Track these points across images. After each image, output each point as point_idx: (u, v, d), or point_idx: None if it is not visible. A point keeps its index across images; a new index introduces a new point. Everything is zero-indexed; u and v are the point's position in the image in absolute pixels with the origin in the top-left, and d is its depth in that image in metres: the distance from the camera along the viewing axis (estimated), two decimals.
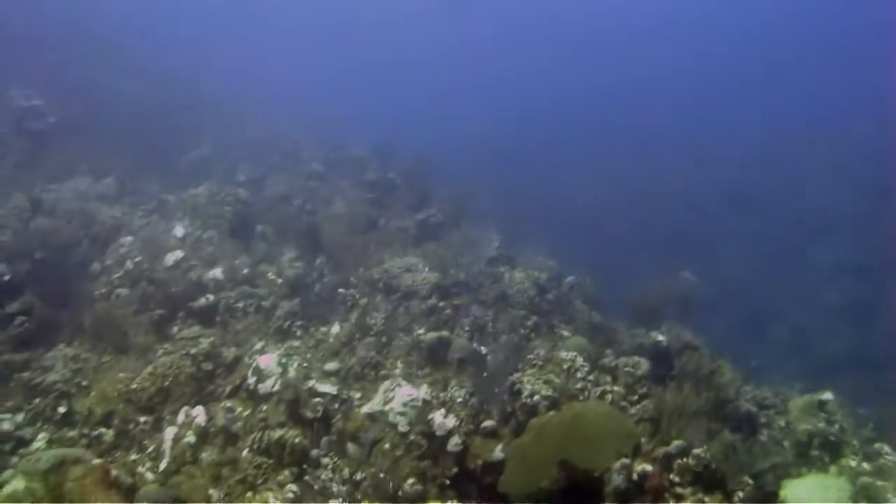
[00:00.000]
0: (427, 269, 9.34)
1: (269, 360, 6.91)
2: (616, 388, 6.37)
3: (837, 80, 37.00)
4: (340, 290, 8.82)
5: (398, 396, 6.65)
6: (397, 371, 7.32)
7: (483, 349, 7.75)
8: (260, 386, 6.72)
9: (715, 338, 9.19)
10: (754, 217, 21.65)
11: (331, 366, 7.42)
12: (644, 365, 6.71)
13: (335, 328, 8.17)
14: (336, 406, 6.66)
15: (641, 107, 37.60)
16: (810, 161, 25.35)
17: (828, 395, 6.56)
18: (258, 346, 7.67)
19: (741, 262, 19.41)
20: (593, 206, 23.43)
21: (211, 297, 8.21)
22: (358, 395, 6.95)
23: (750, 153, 27.20)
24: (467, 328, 8.26)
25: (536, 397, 5.97)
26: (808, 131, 28.83)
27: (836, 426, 6.24)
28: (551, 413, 5.78)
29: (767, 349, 15.69)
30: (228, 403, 6.64)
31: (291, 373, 6.95)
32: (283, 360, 7.03)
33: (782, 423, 6.41)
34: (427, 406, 6.55)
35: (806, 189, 22.99)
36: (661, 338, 7.23)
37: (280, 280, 8.84)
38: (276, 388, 6.64)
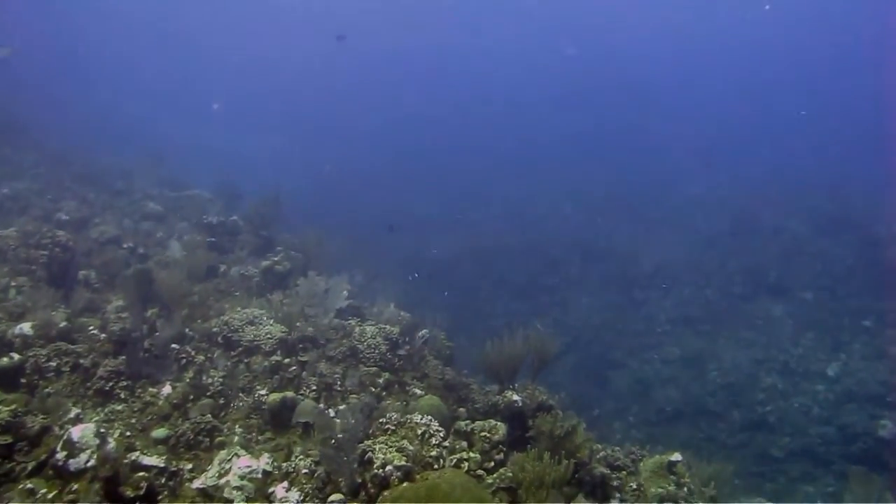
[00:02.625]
0: (271, 322, 8.75)
1: (84, 430, 6.02)
2: (472, 454, 6.12)
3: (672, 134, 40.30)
4: (174, 345, 8.01)
5: (235, 468, 6.02)
6: (235, 438, 6.67)
7: (331, 411, 7.27)
8: (71, 461, 5.81)
9: (564, 389, 9.31)
10: (598, 267, 22.75)
11: (159, 433, 6.64)
12: (501, 429, 6.54)
13: (166, 389, 7.37)
14: (163, 481, 5.90)
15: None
16: (649, 211, 27.23)
17: (676, 457, 6.71)
18: (72, 413, 6.72)
19: (590, 310, 20.22)
20: (444, 252, 23.66)
21: (15, 357, 7.12)
22: (189, 466, 6.22)
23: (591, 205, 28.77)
24: (314, 387, 7.75)
25: (389, 467, 5.58)
26: (641, 188, 31.08)
27: (685, 489, 6.36)
28: (405, 485, 5.42)
29: (610, 398, 16.34)
30: (30, 484, 5.69)
31: (111, 443, 6.10)
32: (102, 429, 6.16)
33: (634, 486, 6.43)
34: (267, 478, 5.97)
35: (646, 237, 24.52)
36: (515, 397, 7.11)
37: (103, 335, 7.89)
38: (92, 462, 5.77)
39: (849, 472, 10.76)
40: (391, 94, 60.47)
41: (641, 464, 6.93)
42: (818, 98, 53.52)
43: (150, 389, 7.34)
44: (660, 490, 6.35)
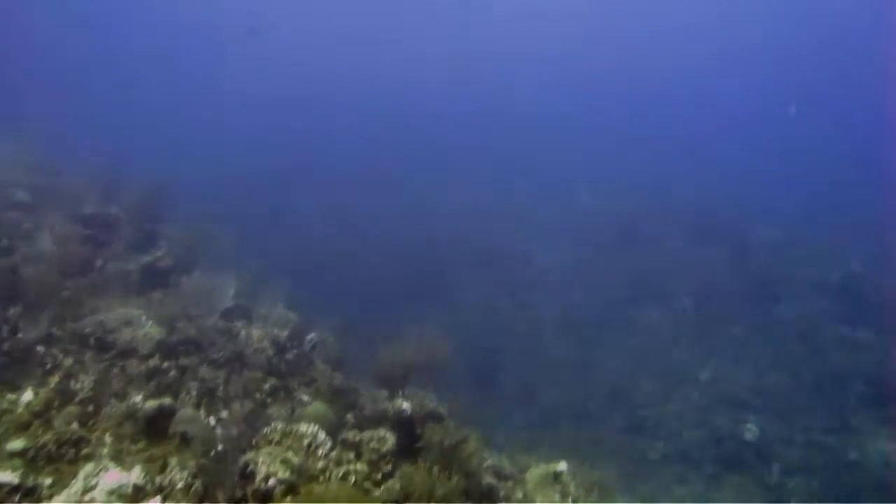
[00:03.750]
0: (150, 323, 8.26)
1: None
2: (360, 466, 5.99)
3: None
4: (39, 347, 7.40)
5: (103, 483, 5.60)
6: (104, 450, 6.22)
7: (212, 419, 6.93)
8: None
9: (452, 391, 9.32)
10: (493, 269, 23.07)
11: (16, 444, 6.09)
12: (390, 439, 6.43)
13: (27, 395, 6.78)
14: (17, 499, 5.41)
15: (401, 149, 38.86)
16: (539, 217, 27.89)
17: (562, 466, 6.84)
18: None
19: (478, 312, 20.44)
20: (337, 250, 23.29)
21: None
22: (49, 481, 5.74)
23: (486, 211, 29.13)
24: (195, 393, 7.37)
25: (272, 480, 5.36)
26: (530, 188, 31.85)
27: (570, 498, 6.49)
28: (288, 499, 5.21)
29: (496, 400, 16.55)
30: None
31: None
32: None
33: (520, 495, 6.50)
34: (139, 493, 5.60)
35: (535, 242, 25.10)
36: (405, 405, 7.04)
37: None
38: None
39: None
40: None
41: (528, 473, 7.03)
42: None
43: (9, 396, 6.73)
44: (545, 501, 6.46)
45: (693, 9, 64.69)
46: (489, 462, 7.23)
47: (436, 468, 5.56)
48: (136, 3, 60.38)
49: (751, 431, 13.99)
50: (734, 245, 22.91)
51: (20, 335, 7.33)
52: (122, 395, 7.14)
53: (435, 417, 7.25)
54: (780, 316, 18.62)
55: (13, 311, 7.72)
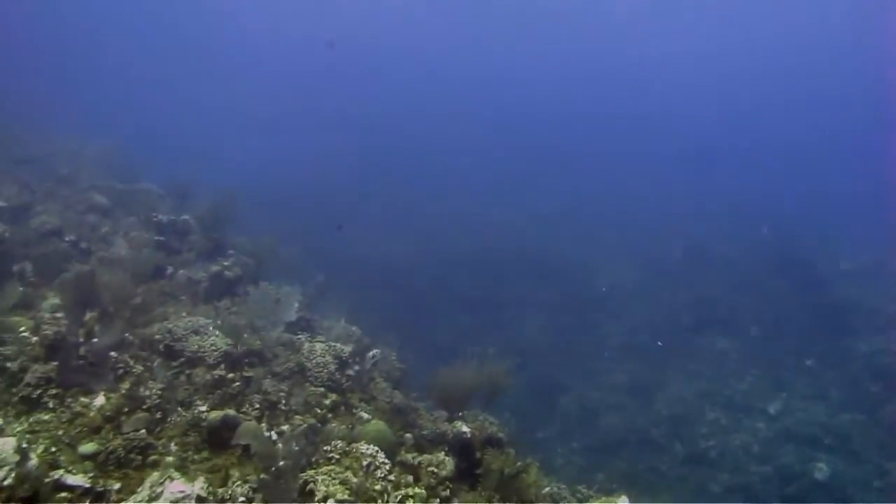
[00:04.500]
0: (217, 333, 8.40)
1: (2, 445, 5.62)
2: (418, 490, 5.92)
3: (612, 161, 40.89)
4: (113, 353, 7.61)
5: (167, 492, 5.69)
6: (170, 458, 6.33)
7: (274, 433, 6.98)
8: None
9: (511, 410, 9.14)
10: (555, 286, 22.80)
11: (87, 447, 6.25)
12: (449, 464, 6.35)
13: (99, 399, 6.97)
14: (87, 503, 5.54)
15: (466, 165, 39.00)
16: (604, 237, 27.49)
17: (623, 500, 6.63)
18: None
19: (538, 332, 20.20)
20: (398, 262, 23.42)
21: None
22: (117, 486, 5.86)
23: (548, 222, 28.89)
24: (257, 405, 7.44)
25: (331, 501, 5.34)
26: (599, 209, 31.43)
27: None
28: None
29: (556, 421, 16.30)
30: None
31: (33, 460, 5.71)
32: (24, 444, 5.76)
33: None
34: None
35: (600, 264, 24.71)
36: (465, 428, 6.95)
37: (35, 337, 7.44)
38: (9, 481, 5.38)
39: None
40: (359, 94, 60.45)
41: None
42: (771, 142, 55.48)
43: (82, 399, 6.93)
44: None
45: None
46: (547, 489, 7.06)
47: (495, 497, 5.46)
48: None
49: (821, 471, 13.34)
50: (808, 272, 22.06)
51: (95, 340, 7.55)
52: (187, 404, 7.27)
53: (495, 442, 7.14)
54: (855, 350, 17.74)
55: (90, 316, 7.96)
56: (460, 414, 8.04)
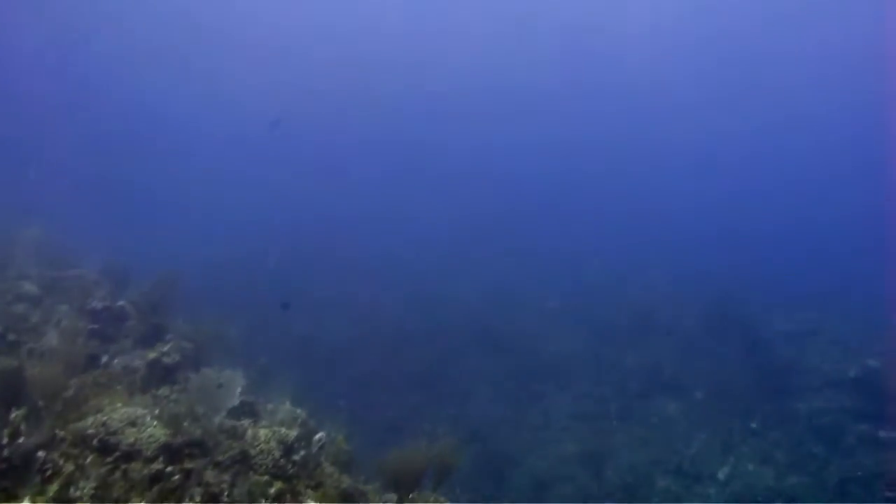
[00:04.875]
0: (156, 423, 8.05)
1: None
2: None
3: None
4: (40, 452, 7.19)
5: None
6: None
7: None
8: None
9: (462, 486, 8.97)
10: (503, 358, 22.74)
11: None
12: None
13: None
14: None
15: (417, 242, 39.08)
16: (549, 306, 27.74)
17: None
18: None
19: (487, 405, 20.00)
20: (344, 339, 23.11)
21: None
22: None
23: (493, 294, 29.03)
24: (199, 499, 7.10)
25: None
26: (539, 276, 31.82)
27: None
28: None
29: (507, 496, 16.00)
30: None
31: None
32: None
33: None
34: None
35: (548, 333, 24.83)
36: None
37: None
38: None
39: None
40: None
41: None
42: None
43: None
44: None
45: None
46: None
47: None
48: None
49: None
50: (749, 335, 22.66)
51: (21, 440, 7.14)
52: (123, 502, 6.89)
53: None
54: (798, 411, 18.15)
55: (16, 414, 7.55)
56: (411, 496, 7.83)
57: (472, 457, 16.94)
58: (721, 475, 15.61)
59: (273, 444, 8.26)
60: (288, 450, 8.37)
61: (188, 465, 7.58)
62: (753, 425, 17.61)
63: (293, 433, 8.71)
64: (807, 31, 56.61)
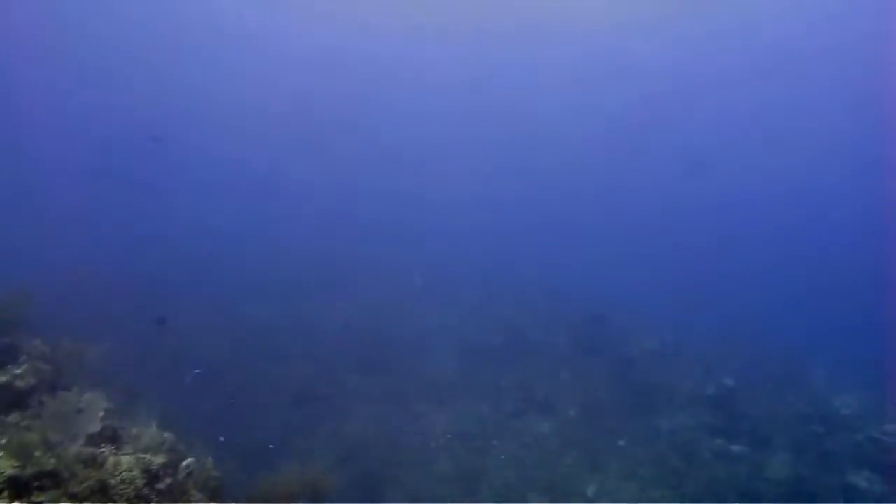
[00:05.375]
0: (2, 455, 7.48)
1: None
2: None
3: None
4: None
5: None
6: None
7: None
8: None
9: None
10: (379, 377, 22.65)
11: None
12: None
13: None
14: None
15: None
16: (426, 325, 27.96)
17: None
18: None
19: (363, 425, 19.83)
20: (217, 358, 22.26)
21: None
22: None
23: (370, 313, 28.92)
24: None
25: None
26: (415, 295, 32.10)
27: None
28: None
29: None
30: None
31: None
32: None
33: None
34: None
35: (424, 353, 25.03)
36: None
37: None
38: None
39: None
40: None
41: None
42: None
43: None
44: None
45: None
46: None
47: None
48: None
49: None
50: (618, 353, 23.83)
51: None
52: None
53: None
54: (660, 428, 19.26)
55: None
56: None
57: (347, 477, 16.79)
58: (590, 492, 16.26)
59: (136, 472, 7.87)
60: (153, 478, 8.00)
61: (38, 499, 7.09)
62: (621, 443, 18.50)
63: (159, 459, 8.34)
64: None
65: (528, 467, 17.50)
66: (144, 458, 8.30)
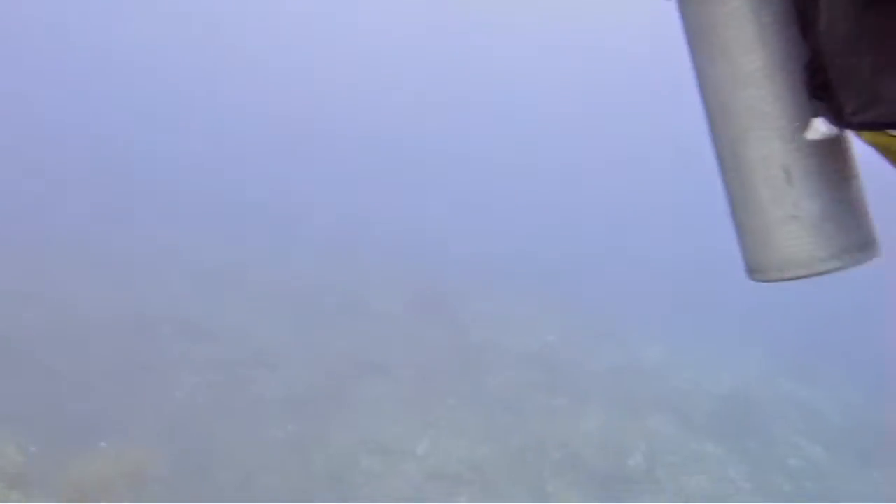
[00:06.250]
0: None
1: None
2: None
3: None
4: None
5: None
6: None
7: None
8: None
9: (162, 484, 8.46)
10: (205, 346, 21.55)
11: None
12: None
13: None
14: None
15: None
16: (252, 291, 26.92)
17: None
18: None
19: (189, 394, 18.89)
20: (24, 331, 20.13)
21: None
22: None
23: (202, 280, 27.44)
24: None
25: None
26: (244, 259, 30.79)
27: None
28: None
29: (211, 491, 15.36)
30: None
31: None
32: None
33: None
34: None
35: (254, 321, 24.12)
36: None
37: None
38: None
39: None
40: None
41: None
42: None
43: None
44: None
45: None
46: None
47: None
48: None
49: None
50: (451, 316, 24.49)
51: None
52: None
53: None
54: (489, 386, 20.16)
55: None
56: None
57: (173, 454, 16.01)
58: (420, 450, 16.78)
59: None
60: None
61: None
62: (451, 402, 19.18)
63: None
64: None
65: (363, 430, 17.68)
66: None
